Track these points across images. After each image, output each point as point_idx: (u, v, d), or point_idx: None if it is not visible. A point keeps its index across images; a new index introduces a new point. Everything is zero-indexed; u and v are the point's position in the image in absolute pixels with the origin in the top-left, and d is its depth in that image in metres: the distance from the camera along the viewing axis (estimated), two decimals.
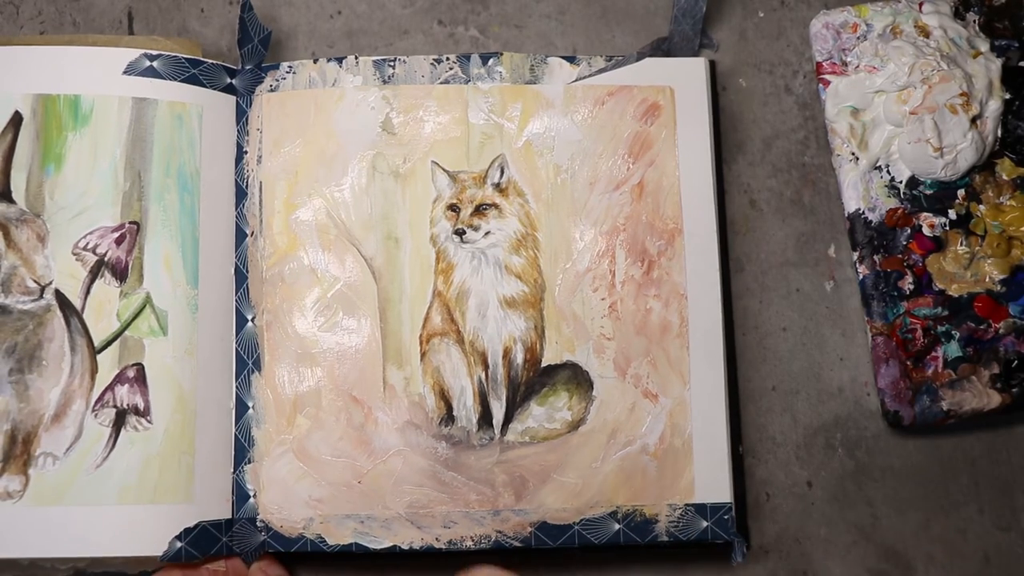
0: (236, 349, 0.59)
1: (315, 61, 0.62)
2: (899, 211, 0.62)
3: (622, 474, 0.58)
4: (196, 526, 0.56)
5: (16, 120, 0.59)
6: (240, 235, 0.60)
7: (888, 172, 0.63)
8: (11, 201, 0.58)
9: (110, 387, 0.57)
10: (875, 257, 0.62)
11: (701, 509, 0.57)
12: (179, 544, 0.55)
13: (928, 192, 0.63)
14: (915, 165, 0.62)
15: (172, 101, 0.60)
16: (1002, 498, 0.62)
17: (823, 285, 0.64)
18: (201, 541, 0.56)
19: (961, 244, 0.62)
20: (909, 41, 0.63)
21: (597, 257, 0.60)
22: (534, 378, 0.59)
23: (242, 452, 0.58)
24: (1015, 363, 0.61)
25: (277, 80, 0.62)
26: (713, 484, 0.57)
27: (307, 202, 0.60)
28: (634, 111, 0.61)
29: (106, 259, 0.58)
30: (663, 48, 0.63)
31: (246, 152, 0.61)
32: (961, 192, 0.63)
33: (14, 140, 0.59)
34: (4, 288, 0.57)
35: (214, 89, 0.61)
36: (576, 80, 0.62)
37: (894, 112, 0.62)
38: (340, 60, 0.62)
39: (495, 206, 0.60)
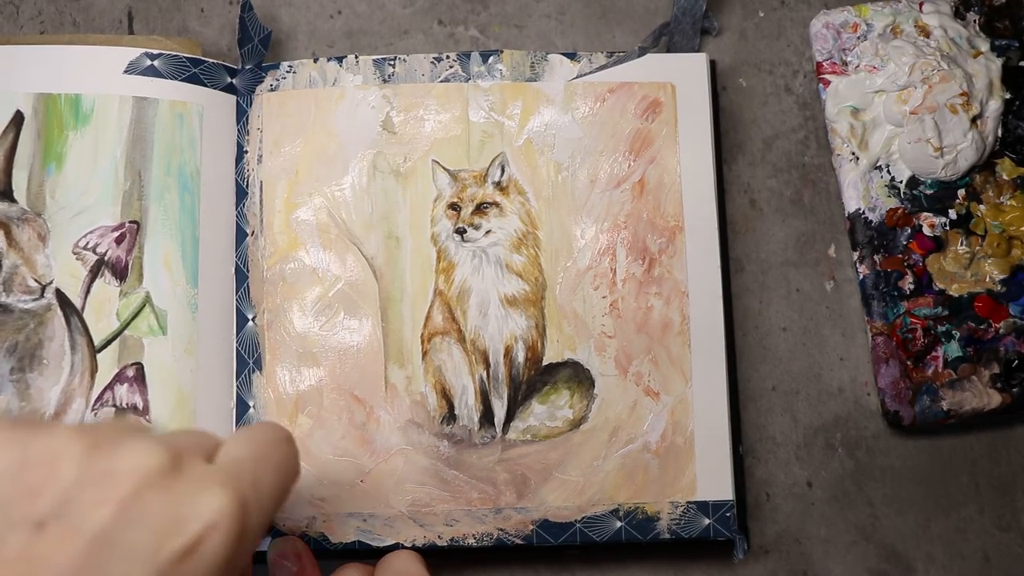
0: (237, 348, 0.59)
1: (315, 60, 0.62)
2: (899, 211, 0.62)
3: (624, 472, 0.58)
4: None
5: (18, 119, 0.59)
6: (240, 234, 0.60)
7: (888, 172, 0.63)
8: (12, 200, 0.58)
9: (110, 386, 0.57)
10: (875, 257, 0.62)
11: (703, 506, 0.57)
12: None
13: (928, 192, 0.63)
14: (915, 165, 0.62)
15: (173, 100, 0.60)
16: (1002, 498, 0.62)
17: (823, 285, 0.64)
18: None
19: (961, 244, 0.62)
20: (909, 41, 0.63)
21: (598, 255, 0.60)
22: (535, 376, 0.59)
23: None
24: (1015, 363, 0.61)
25: (277, 80, 0.62)
26: (715, 481, 0.57)
27: (308, 201, 0.60)
28: (635, 108, 0.61)
29: (106, 258, 0.58)
30: (664, 35, 0.63)
31: (246, 151, 0.61)
32: (961, 192, 0.63)
33: (16, 139, 0.59)
34: (5, 287, 0.57)
35: (215, 88, 0.61)
36: (577, 77, 0.62)
37: (894, 112, 0.62)
38: (340, 59, 0.62)
39: (496, 204, 0.60)
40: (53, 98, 0.59)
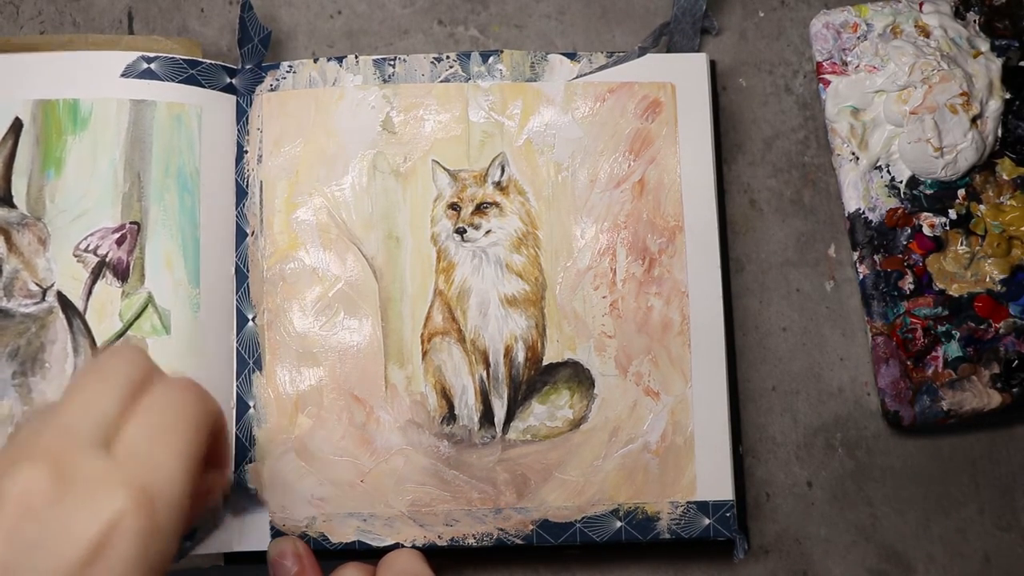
0: (237, 348, 0.59)
1: (315, 60, 0.62)
2: (899, 211, 0.62)
3: (624, 472, 0.58)
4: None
5: (16, 126, 0.59)
6: (240, 234, 0.60)
7: (888, 172, 0.63)
8: (12, 206, 0.58)
9: None
10: (875, 257, 0.62)
11: (703, 506, 0.57)
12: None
13: (928, 192, 0.63)
14: (915, 165, 0.62)
15: (170, 102, 0.60)
16: (1002, 498, 0.62)
17: (823, 285, 0.64)
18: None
19: (961, 244, 0.62)
20: (909, 41, 0.63)
21: (598, 255, 0.60)
22: (535, 376, 0.59)
23: (243, 451, 0.58)
24: (1015, 363, 0.61)
25: (277, 80, 0.62)
26: (715, 481, 0.57)
27: (308, 201, 0.60)
28: (635, 108, 0.61)
29: (107, 260, 0.58)
30: (664, 35, 0.63)
31: (246, 151, 0.61)
32: (961, 192, 0.63)
33: (15, 146, 0.59)
34: (6, 292, 0.57)
35: (213, 89, 0.61)
36: (577, 77, 0.62)
37: (894, 112, 0.62)
38: (340, 59, 0.62)
39: (496, 204, 0.60)
40: (51, 104, 0.59)
